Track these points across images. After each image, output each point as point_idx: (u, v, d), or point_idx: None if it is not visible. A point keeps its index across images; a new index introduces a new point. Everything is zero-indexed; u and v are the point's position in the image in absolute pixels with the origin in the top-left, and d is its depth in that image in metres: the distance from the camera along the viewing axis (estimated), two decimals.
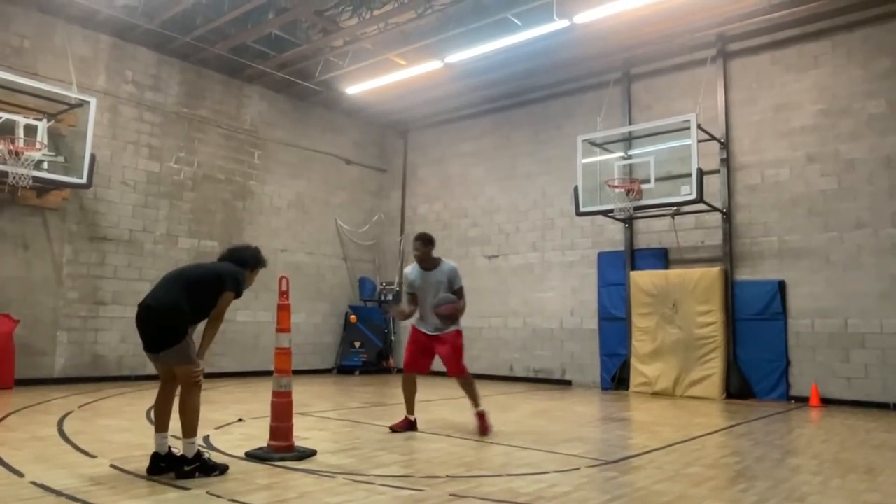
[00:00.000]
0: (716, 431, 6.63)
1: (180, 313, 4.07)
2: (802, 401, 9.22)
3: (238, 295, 4.37)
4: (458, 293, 6.07)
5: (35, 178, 8.82)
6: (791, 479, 4.37)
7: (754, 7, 9.66)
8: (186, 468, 4.01)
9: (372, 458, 4.79)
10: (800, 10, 9.55)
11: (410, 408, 6.08)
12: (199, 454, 4.07)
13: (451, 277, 6.06)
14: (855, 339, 9.10)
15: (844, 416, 7.97)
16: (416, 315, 6.18)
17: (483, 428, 5.92)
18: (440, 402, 8.54)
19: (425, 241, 6.08)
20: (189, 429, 4.06)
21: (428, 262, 6.07)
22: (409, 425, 6.00)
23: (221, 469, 4.12)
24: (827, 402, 9.04)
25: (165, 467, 4.05)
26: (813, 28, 9.84)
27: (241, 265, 4.49)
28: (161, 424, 4.17)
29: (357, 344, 13.40)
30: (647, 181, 10.01)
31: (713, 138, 10.13)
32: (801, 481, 4.32)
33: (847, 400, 9.00)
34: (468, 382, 6.04)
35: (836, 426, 7.09)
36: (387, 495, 3.75)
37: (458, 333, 6.06)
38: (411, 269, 6.18)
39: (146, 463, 4.10)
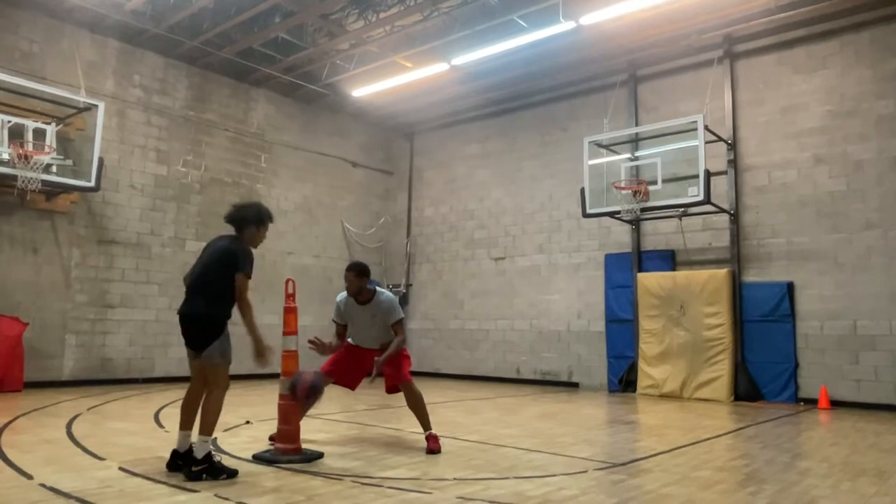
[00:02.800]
0: (724, 434, 6.60)
1: (209, 317, 4.24)
2: (811, 403, 9.17)
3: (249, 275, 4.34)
4: (396, 328, 5.36)
5: (44, 182, 8.88)
6: (800, 483, 4.34)
7: (761, 8, 9.63)
8: (194, 468, 4.03)
9: (380, 460, 4.78)
10: (807, 11, 9.51)
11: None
12: (209, 456, 4.09)
13: (387, 311, 5.34)
14: (864, 342, 9.04)
15: (854, 418, 7.91)
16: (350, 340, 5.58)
17: (432, 448, 5.17)
18: (448, 405, 8.53)
19: (358, 272, 5.28)
20: (206, 427, 4.12)
21: (362, 294, 5.33)
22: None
23: (230, 473, 4.12)
24: (836, 404, 8.98)
25: (182, 465, 4.09)
26: (820, 29, 9.79)
27: (247, 223, 4.48)
28: (185, 422, 4.24)
29: None
30: (654, 183, 9.99)
31: (720, 139, 10.10)
32: (810, 485, 4.29)
33: (857, 402, 8.94)
34: (417, 396, 5.30)
35: (846, 429, 7.04)
36: (394, 498, 3.74)
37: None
38: (343, 299, 5.40)
39: (154, 465, 4.11)
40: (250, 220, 4.50)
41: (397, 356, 5.30)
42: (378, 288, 5.47)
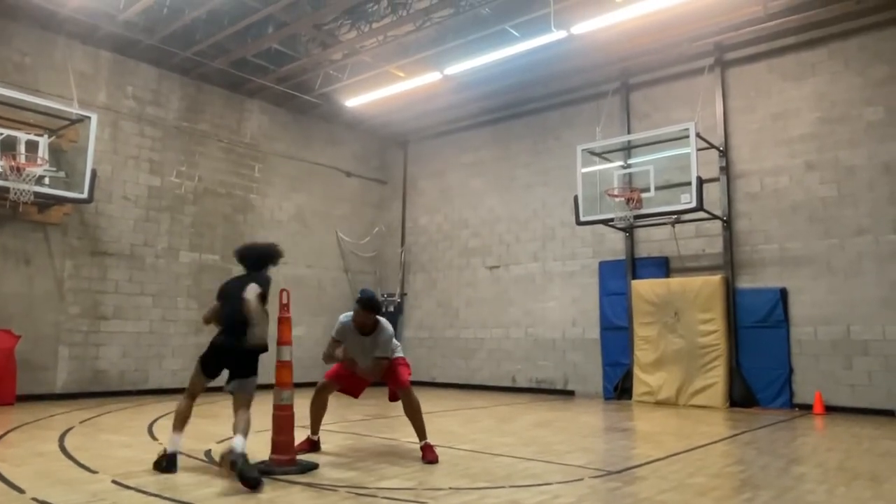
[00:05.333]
0: (719, 440, 6.60)
1: None
2: (806, 408, 9.18)
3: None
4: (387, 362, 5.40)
5: (36, 194, 8.85)
6: (796, 488, 4.35)
7: (751, 16, 9.71)
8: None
9: (374, 470, 4.76)
10: (796, 19, 9.60)
11: (316, 427, 5.55)
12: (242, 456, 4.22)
13: (383, 345, 5.32)
14: (857, 347, 9.07)
15: (848, 423, 7.93)
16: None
17: (430, 458, 5.14)
18: (444, 414, 8.51)
19: (373, 309, 5.31)
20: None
21: (367, 328, 5.33)
22: (311, 446, 5.47)
23: (252, 484, 4.07)
24: (831, 409, 8.99)
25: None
26: (809, 36, 9.89)
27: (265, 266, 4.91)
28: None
29: None
30: (647, 190, 10.03)
31: (712, 146, 10.15)
32: (805, 490, 4.30)
33: (851, 407, 8.95)
34: (414, 403, 5.29)
35: (841, 434, 7.05)
36: None
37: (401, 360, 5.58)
38: (348, 322, 5.36)
39: (148, 478, 4.09)
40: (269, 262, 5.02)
41: (392, 365, 5.39)
42: (381, 319, 5.44)
